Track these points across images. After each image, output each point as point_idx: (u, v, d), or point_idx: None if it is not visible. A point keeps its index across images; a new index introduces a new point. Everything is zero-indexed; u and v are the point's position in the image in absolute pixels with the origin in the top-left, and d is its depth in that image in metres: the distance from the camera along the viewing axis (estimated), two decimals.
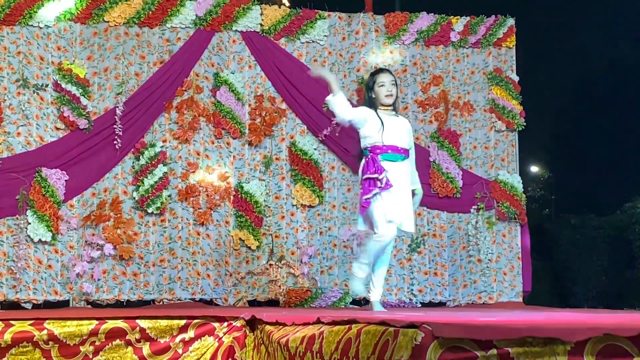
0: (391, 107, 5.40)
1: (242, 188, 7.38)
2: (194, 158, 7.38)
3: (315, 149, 7.59)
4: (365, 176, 5.21)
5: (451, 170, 7.75)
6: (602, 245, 10.65)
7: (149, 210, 7.14)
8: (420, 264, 7.70)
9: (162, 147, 7.28)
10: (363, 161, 5.32)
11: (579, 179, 18.79)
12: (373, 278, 5.36)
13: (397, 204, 5.20)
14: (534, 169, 20.07)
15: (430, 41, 7.98)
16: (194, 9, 7.46)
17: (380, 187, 5.13)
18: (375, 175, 5.15)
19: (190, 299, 7.21)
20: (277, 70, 7.65)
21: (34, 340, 4.11)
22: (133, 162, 7.24)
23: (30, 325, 4.13)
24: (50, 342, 4.13)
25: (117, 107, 7.18)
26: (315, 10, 7.79)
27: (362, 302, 7.46)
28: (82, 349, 4.20)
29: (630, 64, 18.75)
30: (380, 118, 5.30)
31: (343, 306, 7.30)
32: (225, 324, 4.48)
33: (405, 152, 5.34)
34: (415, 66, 7.96)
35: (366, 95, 5.46)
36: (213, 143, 7.45)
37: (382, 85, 5.35)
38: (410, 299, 7.57)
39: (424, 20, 7.96)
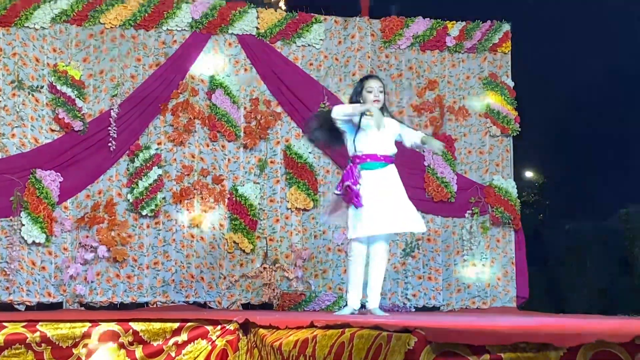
0: None
1: (236, 191, 7.37)
2: (189, 161, 7.37)
3: (310, 153, 7.59)
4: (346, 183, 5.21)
5: (446, 175, 7.76)
6: (596, 251, 10.64)
7: (143, 213, 7.13)
8: (415, 268, 7.70)
9: (156, 149, 7.27)
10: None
11: (573, 184, 18.80)
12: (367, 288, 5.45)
13: (375, 214, 5.14)
14: (529, 174, 20.05)
15: (426, 46, 7.99)
16: (190, 12, 7.46)
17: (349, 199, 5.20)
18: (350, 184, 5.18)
19: (184, 301, 7.20)
20: (273, 74, 7.65)
21: (27, 342, 4.09)
22: (128, 165, 7.23)
23: (23, 327, 4.11)
24: (43, 344, 4.11)
25: (112, 109, 7.18)
26: (312, 14, 7.80)
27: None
28: (74, 351, 4.19)
29: (627, 71, 18.78)
30: (360, 127, 5.27)
31: (337, 310, 7.28)
32: (219, 327, 4.47)
33: (386, 159, 5.31)
34: (411, 71, 7.97)
35: (354, 101, 5.40)
36: (208, 146, 7.44)
37: (369, 91, 5.32)
38: (404, 303, 7.56)
39: (420, 25, 7.97)
